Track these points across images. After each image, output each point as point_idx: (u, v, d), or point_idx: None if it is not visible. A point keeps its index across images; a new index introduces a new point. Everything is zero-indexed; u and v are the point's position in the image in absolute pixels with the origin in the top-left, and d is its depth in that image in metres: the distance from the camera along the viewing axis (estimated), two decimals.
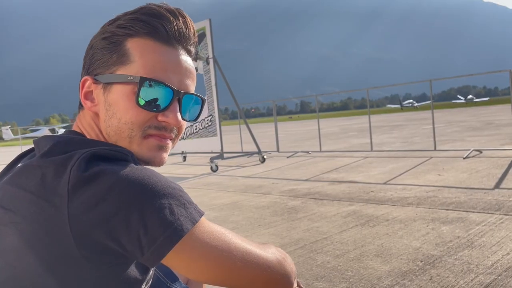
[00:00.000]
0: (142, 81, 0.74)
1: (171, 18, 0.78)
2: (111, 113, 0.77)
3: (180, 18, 0.79)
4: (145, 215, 0.63)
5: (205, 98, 0.83)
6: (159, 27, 0.77)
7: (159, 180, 0.67)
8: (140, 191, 0.64)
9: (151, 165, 0.79)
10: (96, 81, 0.78)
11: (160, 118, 0.77)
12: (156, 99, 0.76)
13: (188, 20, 0.80)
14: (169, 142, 0.81)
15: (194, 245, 0.65)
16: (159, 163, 0.80)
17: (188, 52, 0.82)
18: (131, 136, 0.77)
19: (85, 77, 0.79)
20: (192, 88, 0.81)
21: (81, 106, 0.83)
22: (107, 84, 0.77)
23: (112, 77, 0.76)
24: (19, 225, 0.66)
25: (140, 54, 0.76)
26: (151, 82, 0.75)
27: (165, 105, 0.77)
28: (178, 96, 0.78)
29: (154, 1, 0.80)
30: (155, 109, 0.76)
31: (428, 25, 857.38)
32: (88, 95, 0.79)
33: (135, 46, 0.76)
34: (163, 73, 0.76)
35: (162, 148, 0.80)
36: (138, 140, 0.77)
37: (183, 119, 0.80)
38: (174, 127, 0.81)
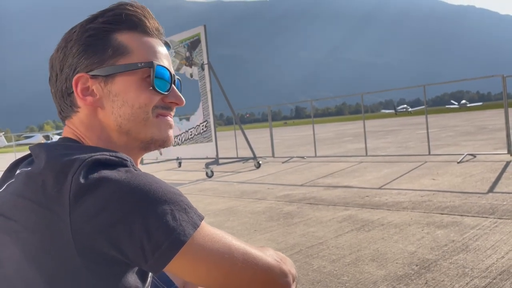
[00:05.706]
0: (154, 65, 0.79)
1: (146, 14, 0.84)
2: (120, 103, 0.79)
3: (150, 13, 0.85)
4: (147, 222, 0.63)
5: (180, 78, 0.92)
6: (144, 20, 0.82)
7: (159, 186, 0.67)
8: (141, 198, 0.64)
9: (166, 145, 0.85)
10: (93, 76, 0.78)
11: (168, 99, 0.83)
12: (163, 82, 0.81)
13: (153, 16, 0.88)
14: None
15: (197, 249, 0.66)
16: (171, 141, 0.86)
17: (164, 43, 0.89)
18: (146, 118, 0.80)
19: (79, 74, 0.78)
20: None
21: (70, 111, 0.81)
22: (108, 77, 0.78)
23: (117, 68, 0.78)
24: (21, 234, 0.66)
25: (136, 45, 0.80)
26: (159, 66, 0.80)
27: (168, 87, 0.83)
28: (174, 79, 0.85)
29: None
30: (164, 91, 0.81)
31: (421, 30, 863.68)
32: (85, 91, 0.79)
33: (126, 39, 0.80)
34: (159, 59, 0.82)
35: (171, 126, 0.86)
36: (153, 121, 0.81)
37: None
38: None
